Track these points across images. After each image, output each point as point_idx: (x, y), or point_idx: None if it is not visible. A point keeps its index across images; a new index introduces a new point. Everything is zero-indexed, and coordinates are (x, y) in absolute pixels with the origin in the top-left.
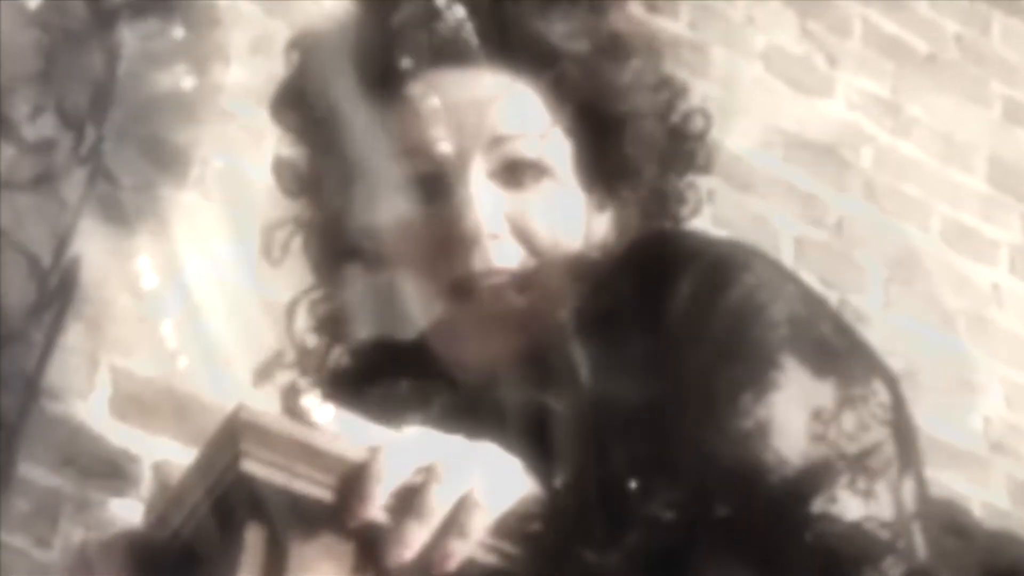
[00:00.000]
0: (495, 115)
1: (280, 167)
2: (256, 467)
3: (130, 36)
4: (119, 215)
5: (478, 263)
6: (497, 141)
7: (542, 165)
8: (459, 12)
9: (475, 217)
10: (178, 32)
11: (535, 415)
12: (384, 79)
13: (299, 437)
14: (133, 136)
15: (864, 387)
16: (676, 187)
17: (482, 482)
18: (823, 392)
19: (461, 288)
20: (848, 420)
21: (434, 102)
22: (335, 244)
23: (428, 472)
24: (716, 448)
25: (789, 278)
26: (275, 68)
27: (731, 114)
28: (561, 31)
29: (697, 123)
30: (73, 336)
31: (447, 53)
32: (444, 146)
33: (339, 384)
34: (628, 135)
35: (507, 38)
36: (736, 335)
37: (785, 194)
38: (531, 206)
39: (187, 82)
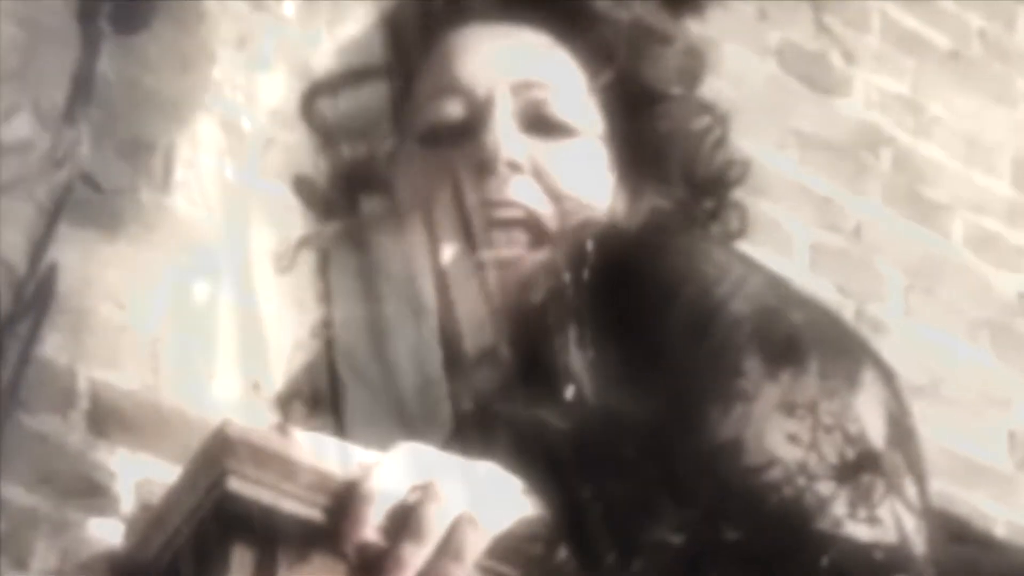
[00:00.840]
0: (528, 61)
1: (301, 185)
2: (243, 485)
3: (110, 31)
4: (98, 220)
5: (493, 192)
6: (526, 84)
7: (570, 127)
8: None
9: (495, 138)
10: (161, 28)
11: (534, 432)
12: (427, 32)
13: (288, 454)
14: (113, 137)
15: (847, 378)
16: (713, 201)
17: (480, 502)
18: (798, 388)
19: (473, 221)
20: (827, 413)
21: (469, 43)
22: (361, 258)
23: (424, 491)
24: (704, 467)
25: (754, 267)
26: (262, 65)
27: (743, 114)
28: None
29: (735, 173)
30: (50, 347)
31: (489, 11)
32: (469, 84)
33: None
34: (663, 111)
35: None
36: (696, 339)
37: (800, 198)
38: (556, 153)
39: (170, 81)
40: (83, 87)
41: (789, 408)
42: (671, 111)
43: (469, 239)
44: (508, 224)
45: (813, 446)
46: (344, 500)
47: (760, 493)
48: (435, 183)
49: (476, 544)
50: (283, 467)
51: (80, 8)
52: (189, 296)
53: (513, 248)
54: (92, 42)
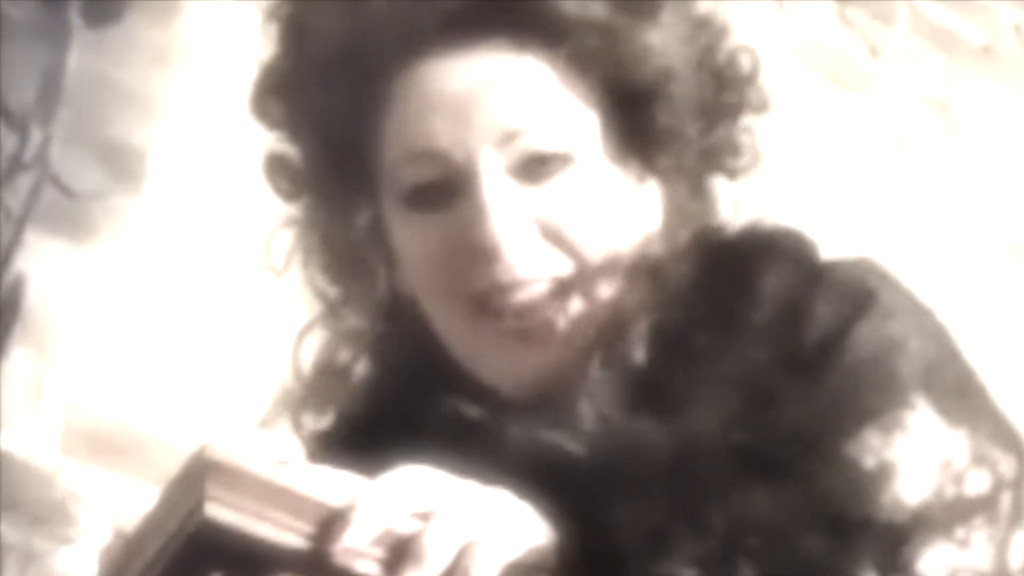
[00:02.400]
0: (501, 105)
1: (272, 164)
2: (223, 512)
3: (80, 25)
4: (69, 227)
5: (501, 275)
6: (509, 136)
7: (566, 155)
8: None
9: (490, 227)
10: (134, 21)
11: (547, 456)
12: (366, 73)
13: (271, 479)
14: (84, 137)
15: (993, 446)
16: (727, 137)
17: (487, 529)
18: (953, 443)
19: (484, 303)
20: (975, 480)
21: (431, 93)
22: (345, 247)
23: (425, 517)
24: (813, 486)
25: (925, 310)
26: (243, 60)
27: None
28: None
29: (744, 63)
30: (17, 363)
31: (435, 37)
32: (446, 149)
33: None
34: (662, 102)
35: (506, 10)
36: (868, 367)
37: (820, 199)
38: (562, 201)
39: (144, 77)
40: (52, 84)
41: (943, 462)
42: (673, 93)
43: (481, 314)
44: (527, 303)
45: (950, 500)
46: (328, 526)
47: (869, 514)
48: (434, 261)
49: (482, 574)
50: (265, 493)
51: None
52: (167, 308)
53: (540, 315)
54: (61, 36)
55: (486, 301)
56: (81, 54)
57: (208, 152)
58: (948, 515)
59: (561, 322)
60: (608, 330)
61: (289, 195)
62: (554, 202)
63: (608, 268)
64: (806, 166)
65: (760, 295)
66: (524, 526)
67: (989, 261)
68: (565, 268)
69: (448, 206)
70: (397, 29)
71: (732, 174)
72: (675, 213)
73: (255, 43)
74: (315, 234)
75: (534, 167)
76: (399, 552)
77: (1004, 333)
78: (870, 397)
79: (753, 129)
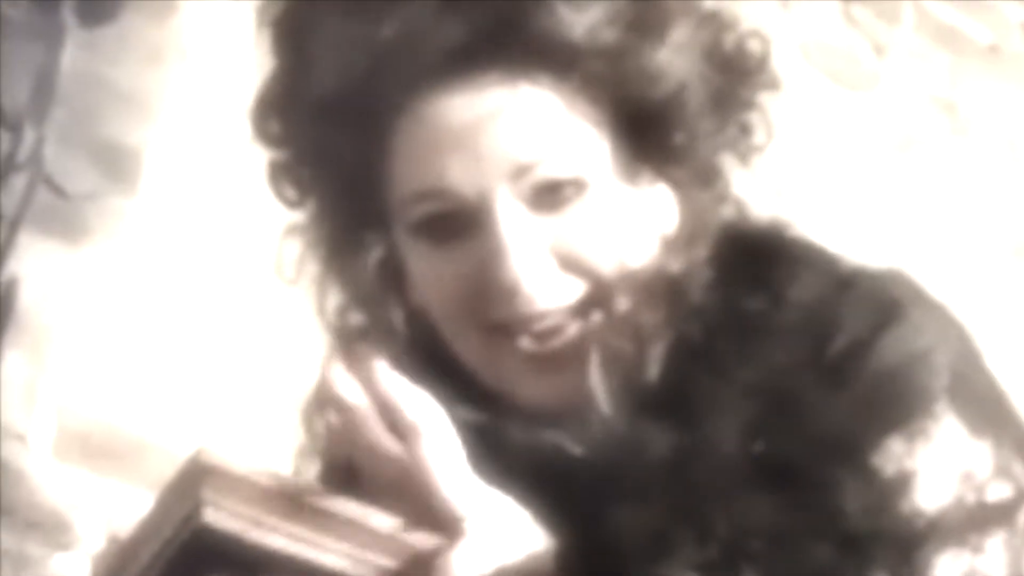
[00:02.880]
0: (511, 138)
1: (276, 171)
2: (220, 517)
3: (75, 24)
4: (63, 228)
5: (522, 308)
6: (522, 170)
7: (578, 180)
8: (448, 22)
9: (508, 264)
10: (129, 20)
11: (546, 457)
12: (371, 109)
13: (268, 483)
14: (79, 138)
15: (1017, 458)
16: (739, 119)
17: (482, 535)
18: (976, 454)
19: (503, 330)
20: (996, 490)
21: (439, 131)
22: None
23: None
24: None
25: (952, 322)
26: (239, 59)
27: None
28: (582, 25)
29: (753, 48)
30: (10, 367)
31: (440, 69)
32: (457, 186)
33: None
34: (676, 118)
35: (512, 39)
36: (893, 377)
37: (824, 202)
38: (577, 228)
39: (139, 76)
40: (46, 83)
41: (965, 473)
42: (686, 107)
43: (501, 340)
44: (548, 329)
45: (980, 490)
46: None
47: (893, 522)
48: (450, 292)
49: None
50: (262, 497)
51: None
52: (162, 311)
53: (560, 339)
54: (55, 35)
55: (506, 328)
56: (75, 53)
57: (204, 153)
58: (966, 524)
59: (581, 341)
60: (629, 344)
61: (293, 203)
62: (569, 230)
63: (625, 283)
64: (811, 166)
65: (785, 301)
66: (521, 531)
67: (995, 261)
68: (582, 290)
69: (461, 239)
70: (402, 62)
71: (746, 156)
72: (689, 209)
73: (251, 43)
74: (328, 270)
75: (547, 196)
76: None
77: (1010, 333)
78: (894, 406)
79: (764, 105)
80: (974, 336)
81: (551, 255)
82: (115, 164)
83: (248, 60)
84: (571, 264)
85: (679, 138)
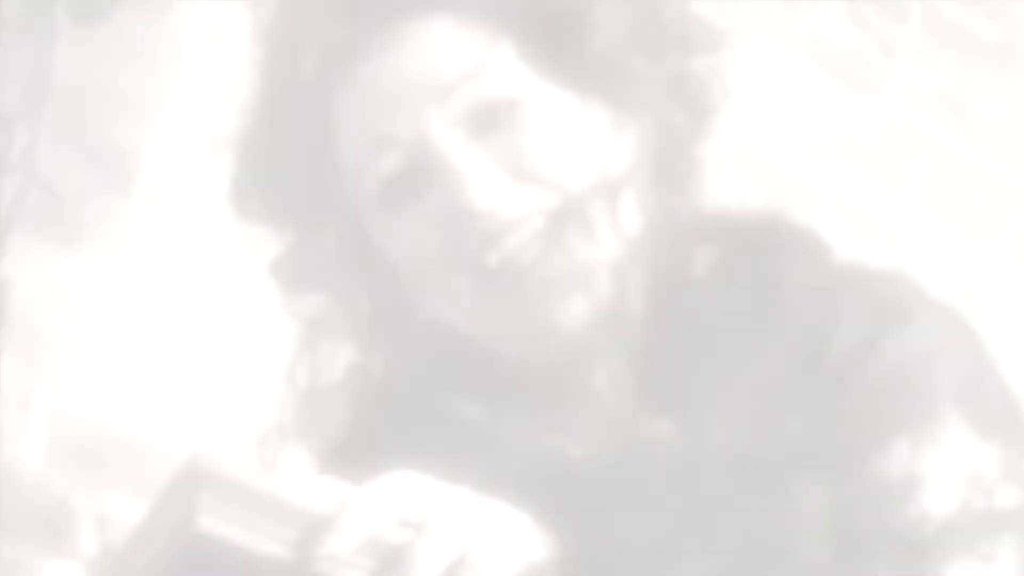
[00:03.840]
0: (426, 67)
1: (240, 190)
2: (215, 524)
3: (68, 23)
4: (56, 230)
5: (489, 225)
6: (446, 91)
7: (512, 99)
8: None
9: (467, 187)
10: (124, 19)
11: (547, 460)
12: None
13: (266, 489)
14: (72, 139)
15: None
16: (683, 72)
17: (480, 542)
18: (985, 457)
19: (485, 265)
20: (1005, 494)
21: (364, 92)
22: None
23: (416, 527)
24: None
25: (959, 323)
26: (235, 59)
27: (769, 112)
28: None
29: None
30: (2, 371)
31: (355, 35)
32: (394, 128)
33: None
34: (587, 26)
35: None
36: (899, 380)
37: (831, 204)
38: (523, 143)
39: (134, 77)
40: (38, 83)
41: (972, 475)
42: (601, 30)
43: (487, 272)
44: (524, 241)
45: (988, 493)
46: (312, 534)
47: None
48: (428, 245)
49: None
50: (259, 503)
51: None
52: (156, 314)
53: (539, 249)
54: (48, 34)
55: (485, 261)
56: (68, 53)
57: (200, 153)
58: (975, 529)
59: (563, 260)
60: (608, 282)
61: (261, 220)
62: (516, 145)
63: (597, 197)
64: (817, 167)
65: (785, 295)
66: (520, 539)
67: (1003, 261)
68: (550, 201)
69: (421, 193)
70: (328, 36)
71: (701, 114)
72: (660, 164)
73: (246, 42)
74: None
75: (484, 119)
76: (389, 562)
77: (1018, 334)
78: (899, 409)
79: (720, 69)
80: (985, 339)
81: (503, 172)
82: (109, 165)
83: (243, 60)
84: (527, 176)
85: (598, 45)
